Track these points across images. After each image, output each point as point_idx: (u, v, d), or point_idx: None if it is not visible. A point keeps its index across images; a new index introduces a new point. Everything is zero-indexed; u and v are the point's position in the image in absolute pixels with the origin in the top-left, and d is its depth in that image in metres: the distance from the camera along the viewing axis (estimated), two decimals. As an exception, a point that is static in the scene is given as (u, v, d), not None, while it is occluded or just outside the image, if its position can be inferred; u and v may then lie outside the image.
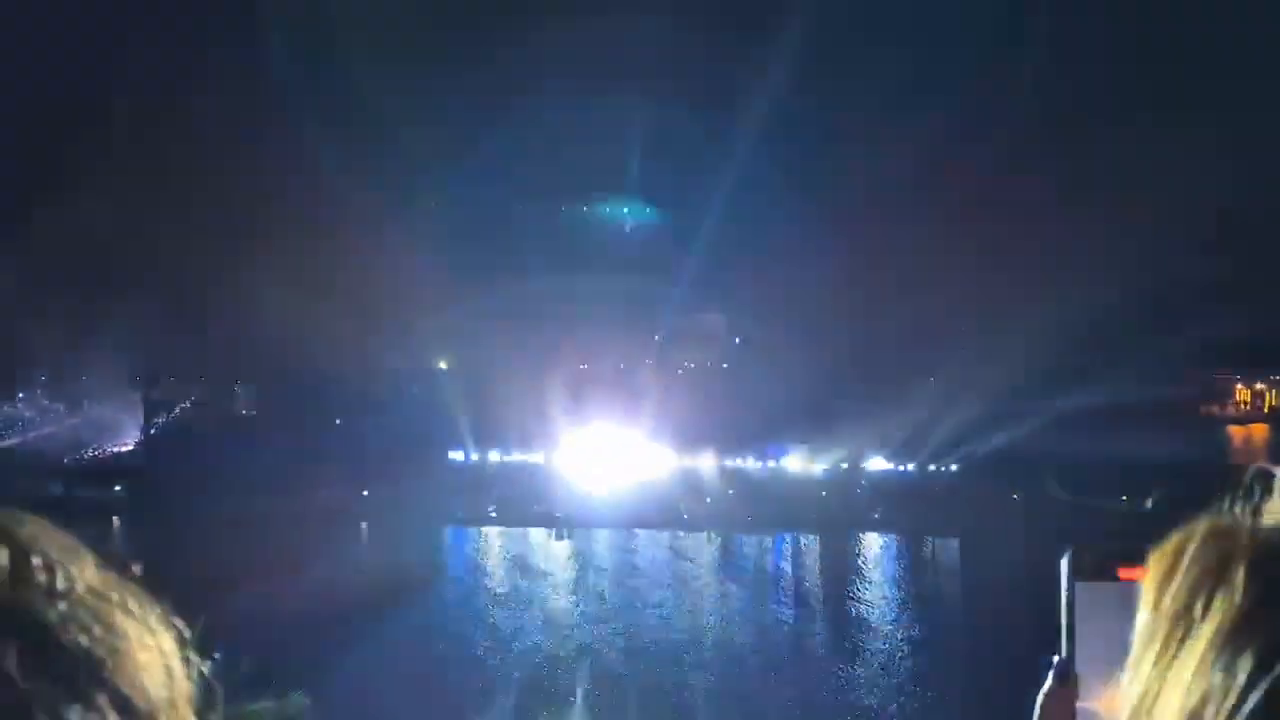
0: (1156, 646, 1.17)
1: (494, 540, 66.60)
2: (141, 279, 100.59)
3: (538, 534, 68.02)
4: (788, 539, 69.69)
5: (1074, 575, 2.03)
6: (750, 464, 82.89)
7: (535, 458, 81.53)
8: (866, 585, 58.32)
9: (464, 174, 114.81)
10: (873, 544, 68.75)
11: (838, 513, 72.84)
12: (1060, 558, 2.04)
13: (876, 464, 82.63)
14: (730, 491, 75.16)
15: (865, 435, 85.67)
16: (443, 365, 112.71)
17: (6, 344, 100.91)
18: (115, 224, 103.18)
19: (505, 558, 63.27)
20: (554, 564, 61.23)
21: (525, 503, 71.55)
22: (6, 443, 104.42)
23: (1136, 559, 2.06)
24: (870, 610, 53.07)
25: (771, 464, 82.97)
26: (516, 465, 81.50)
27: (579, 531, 68.19)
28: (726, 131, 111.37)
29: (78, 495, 71.47)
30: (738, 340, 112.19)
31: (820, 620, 50.33)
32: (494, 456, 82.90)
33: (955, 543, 66.52)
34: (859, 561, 64.87)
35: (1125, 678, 1.23)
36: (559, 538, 67.43)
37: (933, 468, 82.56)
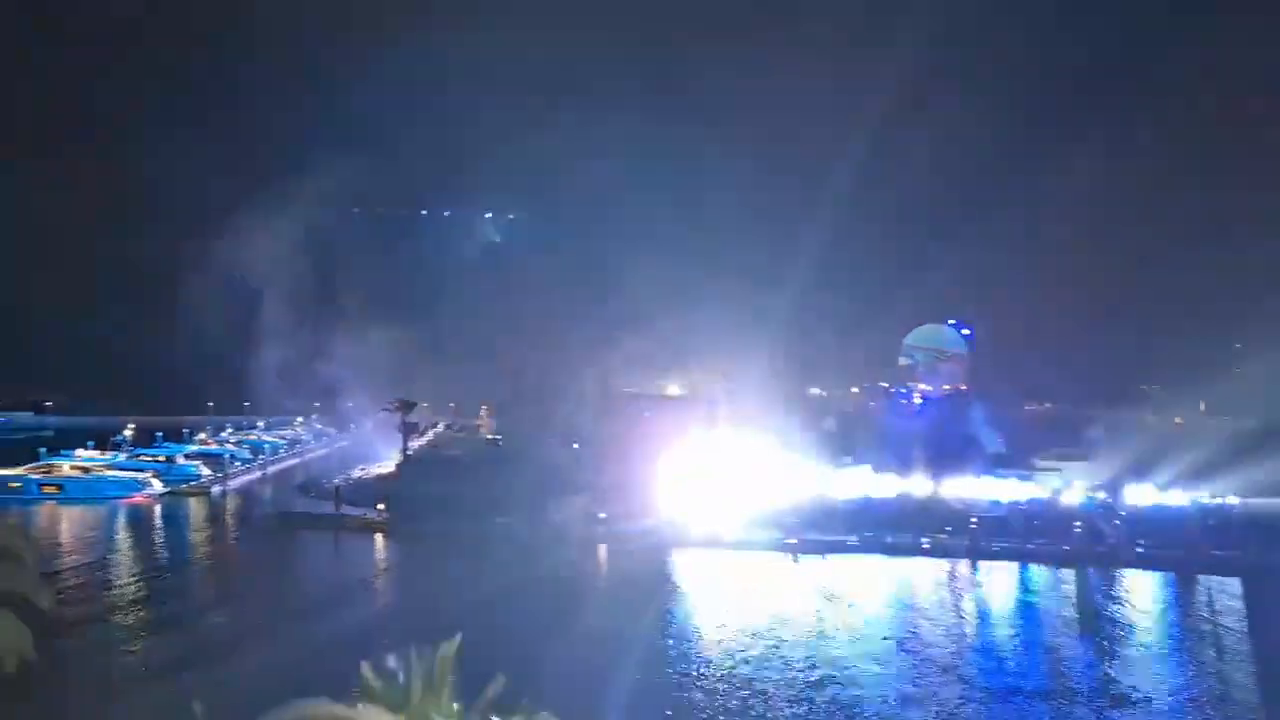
0: None
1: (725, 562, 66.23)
2: (405, 319, 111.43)
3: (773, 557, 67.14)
4: (1040, 571, 65.46)
5: None
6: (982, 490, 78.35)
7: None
8: (1136, 626, 53.52)
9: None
10: (1137, 581, 63.37)
11: (1093, 545, 67.84)
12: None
13: (1139, 493, 76.15)
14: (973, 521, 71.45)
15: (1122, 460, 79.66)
16: (675, 390, 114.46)
17: (294, 374, 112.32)
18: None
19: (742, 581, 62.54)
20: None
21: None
22: (288, 463, 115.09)
23: None
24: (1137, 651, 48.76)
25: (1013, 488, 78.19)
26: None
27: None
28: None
29: (345, 515, 77.15)
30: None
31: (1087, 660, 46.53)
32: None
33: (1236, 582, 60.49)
34: (1126, 600, 59.87)
35: None
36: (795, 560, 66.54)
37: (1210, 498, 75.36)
